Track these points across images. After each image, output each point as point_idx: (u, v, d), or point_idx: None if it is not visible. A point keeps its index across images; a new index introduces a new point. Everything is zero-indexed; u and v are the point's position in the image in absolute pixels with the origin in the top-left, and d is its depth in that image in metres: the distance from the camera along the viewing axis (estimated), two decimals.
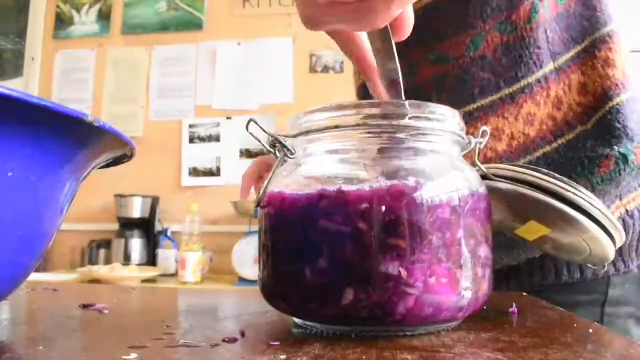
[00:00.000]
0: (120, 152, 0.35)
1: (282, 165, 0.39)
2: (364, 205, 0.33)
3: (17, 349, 0.31)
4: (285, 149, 0.38)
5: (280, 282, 0.36)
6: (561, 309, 0.47)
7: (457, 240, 0.34)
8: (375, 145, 0.36)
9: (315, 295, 0.34)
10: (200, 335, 0.34)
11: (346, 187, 0.34)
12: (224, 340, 0.32)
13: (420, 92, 0.68)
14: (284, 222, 0.36)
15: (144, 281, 2.40)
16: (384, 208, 0.33)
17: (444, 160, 0.37)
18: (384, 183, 0.33)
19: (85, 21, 3.17)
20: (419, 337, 0.34)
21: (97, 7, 3.17)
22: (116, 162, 0.37)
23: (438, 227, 0.33)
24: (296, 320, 0.38)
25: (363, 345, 0.32)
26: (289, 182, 0.37)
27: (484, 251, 0.36)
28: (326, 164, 0.37)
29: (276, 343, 0.32)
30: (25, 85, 3.11)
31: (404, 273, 0.32)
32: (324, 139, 0.37)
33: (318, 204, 0.34)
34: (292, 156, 0.38)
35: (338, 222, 0.33)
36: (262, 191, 0.38)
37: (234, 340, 0.32)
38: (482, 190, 0.38)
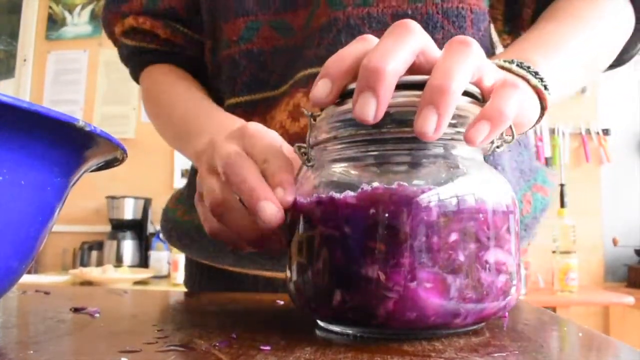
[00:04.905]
0: (111, 155, 0.35)
1: (304, 171, 0.40)
2: (349, 211, 0.34)
3: (7, 352, 0.30)
4: (304, 157, 0.40)
5: (297, 284, 0.38)
6: (552, 312, 0.47)
7: (447, 244, 0.34)
8: (384, 151, 0.36)
9: (314, 295, 0.36)
10: (192, 339, 0.34)
11: (337, 194, 0.35)
12: (214, 344, 0.32)
13: None
14: (293, 226, 0.38)
15: (136, 283, 2.39)
16: (370, 212, 0.33)
17: (442, 164, 0.36)
18: (367, 188, 0.34)
19: (78, 22, 3.16)
20: (410, 342, 0.34)
21: (89, 8, 3.17)
22: (107, 165, 0.37)
23: (421, 230, 0.33)
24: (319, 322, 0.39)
25: (354, 349, 0.32)
26: (304, 188, 0.39)
27: (495, 256, 0.35)
28: (337, 171, 0.38)
29: (267, 347, 0.32)
30: (16, 86, 3.09)
31: (382, 276, 0.33)
32: (335, 147, 0.38)
33: (315, 210, 0.36)
34: (309, 164, 0.40)
35: (329, 227, 0.35)
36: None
37: (225, 344, 0.32)
38: (489, 192, 0.36)
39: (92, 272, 2.39)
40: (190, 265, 0.78)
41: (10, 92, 3.04)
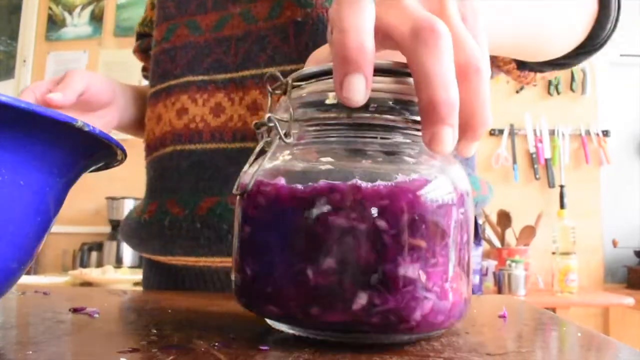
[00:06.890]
0: (111, 156, 0.35)
1: (271, 149, 0.35)
2: (383, 202, 0.30)
3: (6, 353, 0.30)
4: (280, 132, 0.34)
5: (271, 284, 0.33)
6: (551, 313, 0.47)
7: (465, 241, 0.33)
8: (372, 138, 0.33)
9: (320, 299, 0.31)
10: (191, 339, 0.34)
11: (361, 182, 0.31)
12: (213, 345, 0.32)
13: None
14: (279, 215, 0.33)
15: (136, 284, 2.39)
16: (403, 205, 0.30)
17: (439, 158, 0.34)
18: (402, 179, 0.31)
19: (77, 23, 3.16)
20: (408, 341, 0.34)
21: (89, 9, 3.17)
22: (106, 166, 0.37)
23: (454, 227, 0.32)
24: (279, 326, 0.36)
25: (353, 350, 0.32)
26: (283, 170, 0.34)
27: (469, 254, 0.35)
28: (322, 153, 0.34)
29: (266, 347, 0.32)
30: (16, 87, 3.09)
31: (422, 276, 0.30)
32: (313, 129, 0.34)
33: (328, 198, 0.31)
34: (287, 140, 0.34)
35: (352, 219, 0.30)
36: (251, 178, 0.35)
37: (224, 345, 0.32)
38: (467, 184, 0.35)
39: (91, 273, 2.39)
40: (144, 265, 0.83)
41: (10, 93, 3.03)
